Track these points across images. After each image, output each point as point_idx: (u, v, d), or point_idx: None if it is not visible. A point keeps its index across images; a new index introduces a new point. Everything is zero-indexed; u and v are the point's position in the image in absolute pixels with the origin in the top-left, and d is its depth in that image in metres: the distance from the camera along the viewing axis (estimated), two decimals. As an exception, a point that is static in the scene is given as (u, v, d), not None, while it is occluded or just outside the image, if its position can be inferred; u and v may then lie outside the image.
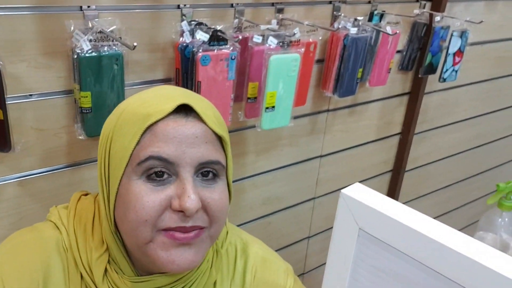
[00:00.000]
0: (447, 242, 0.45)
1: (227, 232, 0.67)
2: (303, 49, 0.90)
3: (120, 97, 0.79)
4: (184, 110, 0.53)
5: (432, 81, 1.43)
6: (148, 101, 0.54)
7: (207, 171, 0.54)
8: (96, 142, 0.85)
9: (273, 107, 0.89)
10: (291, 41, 0.90)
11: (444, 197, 1.80)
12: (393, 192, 1.58)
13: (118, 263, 0.57)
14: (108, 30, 0.74)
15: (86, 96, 0.75)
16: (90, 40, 0.73)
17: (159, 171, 0.52)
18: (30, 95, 0.76)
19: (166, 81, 0.89)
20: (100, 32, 0.74)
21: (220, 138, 0.55)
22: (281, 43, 0.88)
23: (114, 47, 0.76)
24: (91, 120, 0.77)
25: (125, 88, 0.80)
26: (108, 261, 0.58)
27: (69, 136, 0.82)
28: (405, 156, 1.52)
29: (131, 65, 0.82)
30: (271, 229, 1.28)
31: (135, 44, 0.70)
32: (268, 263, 0.68)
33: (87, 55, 0.73)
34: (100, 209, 0.60)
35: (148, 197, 0.51)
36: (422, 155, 1.60)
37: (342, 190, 0.50)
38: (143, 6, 0.81)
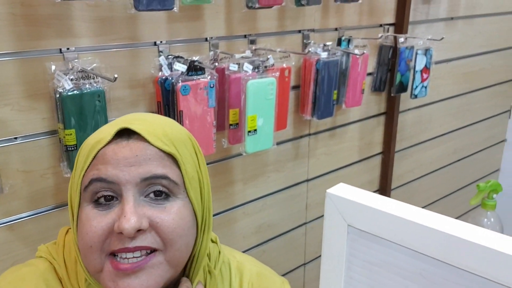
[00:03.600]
0: (434, 226, 0.46)
1: (220, 252, 0.67)
2: (278, 73, 0.94)
3: (105, 133, 0.81)
4: (127, 134, 0.53)
5: (405, 100, 1.49)
6: (96, 133, 0.56)
7: (159, 191, 0.52)
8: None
9: (255, 130, 0.92)
10: (266, 67, 0.94)
11: (434, 211, 1.82)
12: (382, 211, 1.60)
13: None
14: (89, 69, 0.77)
15: (71, 134, 0.77)
16: (72, 79, 0.75)
17: (107, 195, 0.51)
18: (15, 138, 0.77)
19: (148, 115, 0.91)
20: (81, 71, 0.76)
21: (172, 157, 0.53)
22: (256, 69, 0.92)
23: (95, 84, 0.78)
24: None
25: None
26: None
27: (56, 177, 0.83)
28: (389, 175, 1.55)
29: (114, 102, 0.84)
30: (266, 258, 1.27)
31: (115, 75, 0.72)
32: (263, 278, 0.68)
33: (69, 93, 0.75)
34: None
35: (93, 222, 0.50)
36: (405, 172, 1.64)
37: (327, 190, 0.52)
38: (121, 45, 0.85)
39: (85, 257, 0.52)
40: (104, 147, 0.52)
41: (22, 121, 0.77)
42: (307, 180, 1.31)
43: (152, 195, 0.52)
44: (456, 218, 1.95)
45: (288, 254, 1.33)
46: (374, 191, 1.56)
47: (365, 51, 1.18)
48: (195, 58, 0.85)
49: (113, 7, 0.81)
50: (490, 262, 0.41)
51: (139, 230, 0.49)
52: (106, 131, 0.54)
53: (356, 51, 1.16)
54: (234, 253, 0.71)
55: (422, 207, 1.77)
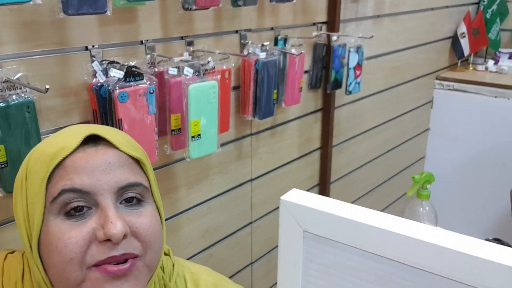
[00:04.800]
0: (386, 227, 0.48)
1: (173, 265, 0.66)
2: (219, 76, 0.93)
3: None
4: (93, 141, 0.52)
5: (339, 96, 1.54)
6: (53, 141, 0.53)
7: (130, 197, 0.52)
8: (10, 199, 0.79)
9: (199, 135, 0.90)
10: (206, 70, 0.92)
11: (369, 201, 1.91)
12: (323, 204, 1.65)
13: None
14: (15, 78, 0.71)
15: (0, 150, 0.70)
16: (-4, 91, 0.69)
17: (77, 206, 0.49)
18: None
19: (83, 124, 0.85)
20: (6, 81, 0.70)
21: (137, 161, 0.54)
22: (197, 73, 0.90)
23: (23, 95, 0.72)
24: (8, 174, 0.72)
25: (41, 136, 0.76)
26: None
27: (-17, 197, 0.75)
28: (328, 169, 1.60)
29: (45, 112, 0.78)
30: (213, 261, 1.26)
31: (47, 86, 0.67)
32: (220, 287, 0.67)
33: (-6, 106, 0.68)
34: (30, 263, 0.56)
35: (69, 233, 0.49)
36: (343, 165, 1.70)
37: (281, 197, 0.52)
38: (49, 51, 0.79)
39: (63, 271, 0.49)
40: (69, 155, 0.50)
41: None
42: (251, 180, 1.31)
43: (124, 201, 0.52)
44: (390, 204, 2.07)
45: (235, 255, 1.33)
46: (315, 185, 1.61)
47: (302, 51, 1.20)
48: (132, 63, 0.81)
49: (38, 11, 0.75)
50: (441, 260, 0.43)
51: (124, 236, 0.49)
52: (69, 139, 0.51)
53: (293, 51, 1.18)
54: (188, 264, 0.69)
55: (360, 197, 1.86)
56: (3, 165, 0.72)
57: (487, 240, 0.96)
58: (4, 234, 0.79)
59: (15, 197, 0.54)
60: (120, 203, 0.52)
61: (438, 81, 2.19)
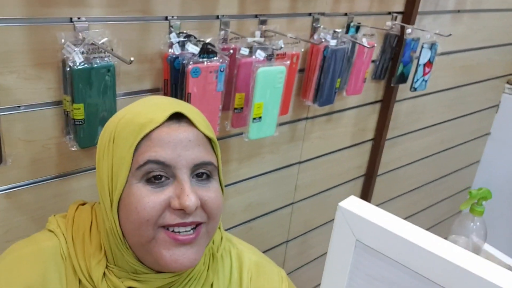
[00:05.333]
0: (438, 252, 0.48)
1: (222, 238, 0.70)
2: (288, 62, 0.93)
3: (112, 108, 0.79)
4: (176, 117, 0.57)
5: (402, 89, 1.50)
6: (141, 112, 0.57)
7: (201, 173, 0.58)
8: (85, 153, 0.85)
9: (260, 117, 0.91)
10: (276, 54, 0.93)
11: (412, 199, 1.89)
12: (365, 195, 1.64)
13: (129, 265, 0.59)
14: (100, 42, 0.74)
15: (79, 108, 0.75)
16: (82, 52, 0.73)
17: (157, 175, 0.55)
18: (19, 106, 0.75)
19: (154, 91, 0.89)
20: (92, 44, 0.74)
21: (210, 141, 0.60)
22: (267, 56, 0.90)
23: (106, 59, 0.76)
24: (84, 131, 0.77)
25: (116, 98, 0.80)
26: (107, 266, 0.60)
27: (58, 147, 0.81)
28: (377, 161, 1.58)
29: (122, 76, 0.82)
30: (252, 234, 1.30)
31: (131, 58, 0.70)
32: (262, 267, 0.71)
33: (80, 67, 0.73)
34: (98, 216, 0.62)
35: (149, 198, 0.55)
36: (393, 159, 1.67)
37: (339, 204, 0.53)
38: (132, 18, 0.82)
39: (138, 228, 0.55)
40: (156, 128, 0.55)
41: (27, 89, 0.74)
42: (299, 162, 1.33)
43: (196, 176, 0.57)
44: (433, 205, 2.03)
45: (273, 231, 1.37)
46: (361, 176, 1.60)
47: (374, 43, 1.17)
48: (207, 40, 0.83)
49: (128, -22, 0.77)
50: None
51: (196, 207, 0.55)
52: (156, 112, 0.56)
53: (364, 41, 1.15)
54: (235, 240, 0.74)
55: (403, 193, 1.84)
56: (80, 122, 0.77)
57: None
58: (73, 184, 0.86)
59: (101, 154, 0.59)
60: (193, 177, 0.57)
61: (509, 85, 2.07)
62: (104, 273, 0.59)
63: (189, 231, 0.57)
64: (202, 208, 0.57)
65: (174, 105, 0.58)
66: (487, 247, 0.97)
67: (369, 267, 0.52)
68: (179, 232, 0.57)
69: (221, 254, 0.69)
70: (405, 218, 1.97)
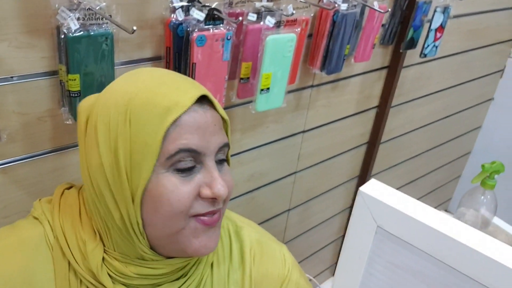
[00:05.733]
0: (462, 239, 0.46)
1: None
2: (298, 29, 0.87)
3: (110, 78, 0.74)
4: (199, 100, 0.53)
5: (409, 55, 1.44)
6: (161, 92, 0.52)
7: (221, 159, 0.56)
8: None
9: (268, 88, 0.87)
10: (286, 20, 0.87)
11: (414, 165, 1.87)
12: (368, 163, 1.62)
13: (141, 254, 0.56)
14: (97, 8, 0.68)
15: (75, 79, 0.70)
16: (78, 19, 0.67)
17: (187, 163, 0.52)
18: (12, 77, 0.69)
19: (155, 59, 0.84)
20: (88, 9, 0.68)
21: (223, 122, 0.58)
22: (276, 22, 0.84)
23: (103, 26, 0.70)
24: (80, 104, 0.72)
25: (115, 67, 0.75)
26: (105, 252, 0.56)
27: (54, 120, 0.77)
28: (381, 129, 1.55)
29: (120, 44, 0.77)
30: (254, 204, 1.29)
31: (134, 28, 0.65)
32: (264, 245, 0.69)
33: (75, 35, 0.67)
34: (86, 201, 0.58)
35: (182, 188, 0.52)
36: (396, 127, 1.64)
37: (360, 188, 0.50)
38: (131, -21, 0.75)
39: (169, 220, 0.52)
40: (183, 112, 0.51)
41: (19, 59, 0.69)
42: (303, 131, 1.29)
43: (216, 161, 0.55)
44: (434, 170, 2.02)
45: (275, 200, 1.35)
46: (364, 143, 1.57)
47: (386, 5, 1.11)
48: (213, 5, 0.77)
49: None
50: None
51: None
52: (178, 95, 0.52)
53: (376, 5, 1.09)
54: (233, 217, 0.71)
55: (405, 160, 1.82)
56: (76, 94, 0.72)
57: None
58: (70, 157, 0.82)
59: (106, 136, 0.52)
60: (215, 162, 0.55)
61: (515, 50, 2.02)
62: (103, 259, 0.56)
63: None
64: None
65: (194, 86, 0.55)
66: (496, 220, 0.96)
67: (390, 254, 0.50)
68: (207, 218, 0.55)
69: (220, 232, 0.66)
70: (404, 185, 1.97)
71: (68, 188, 0.62)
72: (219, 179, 0.52)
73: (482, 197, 0.94)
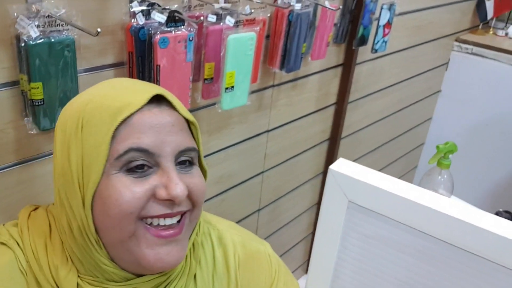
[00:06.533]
0: (430, 204, 0.50)
1: (200, 222, 0.64)
2: (258, 28, 0.90)
3: (74, 86, 0.74)
4: (157, 101, 0.53)
5: (362, 52, 1.51)
6: (114, 95, 0.52)
7: (184, 160, 0.54)
8: (46, 136, 0.79)
9: (232, 87, 0.89)
10: (244, 20, 0.90)
11: (373, 158, 1.95)
12: (331, 158, 1.68)
13: (102, 268, 0.54)
14: (57, 14, 0.68)
15: (37, 87, 0.69)
16: (38, 26, 0.67)
17: (140, 164, 0.51)
18: (-30, 89, 0.68)
19: (118, 65, 0.84)
20: (48, 16, 0.68)
21: (189, 125, 0.56)
22: (236, 22, 0.87)
23: (64, 32, 0.70)
24: (44, 112, 0.71)
25: (78, 75, 0.75)
26: (78, 276, 0.54)
27: (17, 131, 0.75)
28: (341, 124, 1.61)
29: (82, 51, 0.77)
30: (224, 206, 1.30)
31: (98, 30, 0.65)
32: (248, 247, 0.68)
33: (35, 42, 0.66)
34: (56, 218, 0.56)
35: (132, 188, 0.50)
36: (355, 122, 1.71)
37: (330, 167, 0.53)
38: (88, -14, 0.76)
39: (118, 224, 0.50)
40: (135, 112, 0.50)
41: (-23, 70, 0.68)
42: (268, 131, 1.32)
43: (178, 164, 0.54)
44: (393, 162, 2.11)
45: (245, 201, 1.37)
46: (325, 140, 1.62)
47: (337, 4, 1.16)
48: (173, 8, 0.78)
49: None
50: (490, 244, 0.46)
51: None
52: (134, 95, 0.51)
53: (327, 4, 1.14)
54: (213, 220, 0.69)
55: (366, 153, 1.89)
56: (39, 103, 0.71)
57: (498, 212, 1.00)
58: (36, 169, 0.81)
59: (65, 145, 0.52)
60: (176, 165, 0.53)
61: (457, 43, 2.15)
62: (78, 284, 0.54)
63: (174, 223, 0.53)
64: (188, 196, 0.53)
65: (151, 87, 0.54)
66: (453, 198, 1.02)
67: (362, 226, 0.53)
68: (164, 225, 0.52)
69: (201, 239, 0.64)
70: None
71: (34, 210, 0.60)
72: (175, 180, 0.50)
73: (440, 177, 1.00)
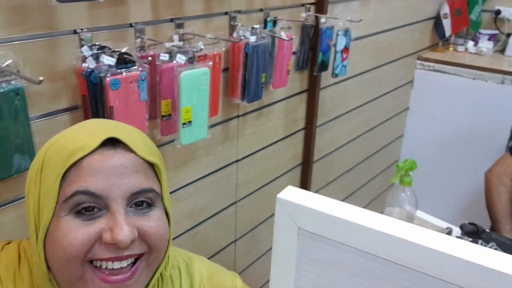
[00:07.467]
0: (378, 227, 0.51)
1: (168, 256, 0.66)
2: (211, 63, 0.92)
3: (26, 133, 0.74)
4: (112, 143, 0.53)
5: (325, 77, 1.55)
6: (73, 137, 0.53)
7: (141, 201, 0.54)
8: (3, 184, 0.78)
9: (190, 121, 0.90)
10: (198, 56, 0.92)
11: (349, 179, 1.97)
12: (305, 183, 1.69)
13: None
14: (4, 65, 0.69)
15: (-12, 138, 0.69)
16: (-16, 78, 0.67)
17: (88, 206, 0.51)
18: None
19: (72, 109, 0.84)
20: (-5, 67, 0.68)
21: (152, 166, 0.55)
22: (188, 59, 0.89)
23: (12, 82, 0.71)
24: (-3, 162, 0.71)
25: (30, 122, 0.75)
26: None
27: (-29, 184, 0.74)
28: (312, 148, 1.63)
29: (33, 97, 0.77)
30: (199, 240, 1.29)
31: (41, 78, 0.66)
32: (214, 277, 0.69)
33: (-17, 94, 0.67)
34: (30, 253, 0.57)
35: (77, 232, 0.50)
36: (325, 145, 1.73)
37: (278, 195, 0.54)
38: (36, 35, 0.77)
39: (65, 266, 0.50)
40: (87, 155, 0.50)
41: None
42: (237, 161, 1.33)
43: (134, 205, 0.53)
44: (368, 181, 2.13)
45: (219, 233, 1.36)
46: (298, 165, 1.64)
47: (292, 34, 1.20)
48: (123, 50, 0.80)
49: (26, -7, 0.72)
50: (428, 260, 0.46)
51: (132, 240, 0.51)
52: (88, 138, 0.51)
53: (283, 34, 1.18)
54: (181, 254, 0.71)
55: (340, 175, 1.90)
56: (-8, 153, 0.71)
57: (463, 225, 1.01)
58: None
59: (29, 185, 0.54)
60: (130, 206, 0.53)
61: (419, 61, 2.22)
62: None
63: (125, 267, 0.52)
64: (142, 239, 0.53)
65: (111, 129, 0.54)
66: (419, 213, 1.04)
67: (314, 252, 0.53)
68: (112, 268, 0.52)
69: (169, 273, 0.65)
70: (344, 199, 2.05)
71: (8, 243, 0.61)
72: (120, 224, 0.50)
73: (403, 194, 1.02)
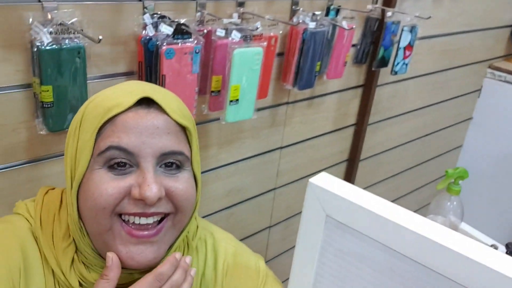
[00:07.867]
0: (406, 224, 0.49)
1: (197, 227, 0.68)
2: (265, 43, 0.92)
3: (83, 91, 0.78)
4: (147, 103, 0.54)
5: (384, 74, 1.50)
6: (111, 95, 0.55)
7: (170, 163, 0.55)
8: (56, 137, 0.83)
9: (237, 100, 0.91)
10: (253, 35, 0.92)
11: (395, 184, 1.90)
12: (348, 180, 1.65)
13: (85, 254, 0.57)
14: (69, 22, 0.73)
15: (47, 90, 0.73)
16: (51, 33, 0.71)
17: (120, 162, 0.53)
18: (-14, 89, 0.73)
19: (128, 74, 0.88)
20: (61, 24, 0.72)
21: (184, 130, 0.56)
22: (244, 37, 0.89)
23: (75, 40, 0.74)
24: (53, 114, 0.75)
25: (87, 81, 0.79)
26: (76, 252, 0.58)
27: (29, 132, 0.80)
28: (360, 146, 1.59)
29: (93, 59, 0.81)
30: (234, 220, 1.30)
31: (100, 37, 0.69)
32: (239, 257, 0.69)
33: (47, 48, 0.71)
34: (66, 203, 0.60)
35: (108, 184, 0.52)
36: (375, 144, 1.68)
37: (309, 180, 0.53)
38: (104, -2, 0.80)
39: (94, 217, 0.53)
40: (122, 112, 0.52)
41: (-6, 72, 0.72)
42: (281, 148, 1.32)
43: (164, 165, 0.54)
44: (416, 189, 2.05)
45: (255, 217, 1.37)
46: (343, 161, 1.60)
47: (353, 25, 1.17)
48: (182, 20, 0.81)
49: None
50: (459, 266, 0.44)
51: (158, 199, 0.52)
52: (124, 96, 0.54)
53: (344, 24, 1.15)
54: (212, 229, 0.71)
55: (386, 178, 1.85)
56: (49, 105, 0.75)
57: (509, 244, 0.94)
58: (45, 169, 0.85)
59: (68, 138, 0.57)
60: (160, 166, 0.54)
61: (490, 70, 2.09)
62: (73, 260, 0.57)
63: (151, 224, 0.54)
64: (169, 199, 0.54)
65: (147, 90, 0.55)
66: (464, 225, 0.98)
67: (339, 243, 0.52)
68: (139, 224, 0.53)
69: (196, 244, 0.66)
70: (388, 203, 1.95)
71: (53, 189, 0.66)
72: (149, 181, 0.51)
73: (449, 203, 0.97)
